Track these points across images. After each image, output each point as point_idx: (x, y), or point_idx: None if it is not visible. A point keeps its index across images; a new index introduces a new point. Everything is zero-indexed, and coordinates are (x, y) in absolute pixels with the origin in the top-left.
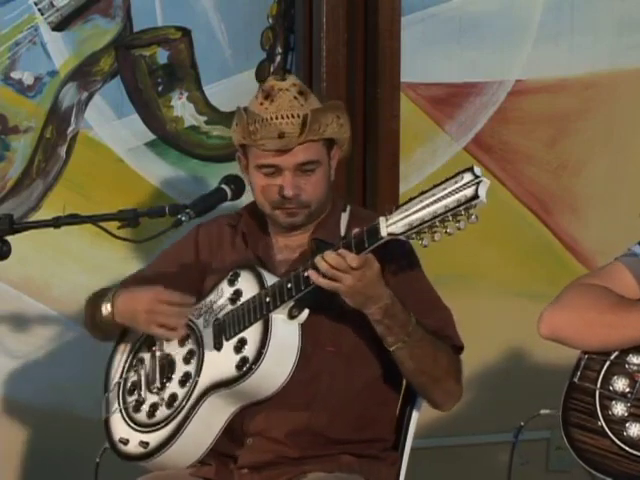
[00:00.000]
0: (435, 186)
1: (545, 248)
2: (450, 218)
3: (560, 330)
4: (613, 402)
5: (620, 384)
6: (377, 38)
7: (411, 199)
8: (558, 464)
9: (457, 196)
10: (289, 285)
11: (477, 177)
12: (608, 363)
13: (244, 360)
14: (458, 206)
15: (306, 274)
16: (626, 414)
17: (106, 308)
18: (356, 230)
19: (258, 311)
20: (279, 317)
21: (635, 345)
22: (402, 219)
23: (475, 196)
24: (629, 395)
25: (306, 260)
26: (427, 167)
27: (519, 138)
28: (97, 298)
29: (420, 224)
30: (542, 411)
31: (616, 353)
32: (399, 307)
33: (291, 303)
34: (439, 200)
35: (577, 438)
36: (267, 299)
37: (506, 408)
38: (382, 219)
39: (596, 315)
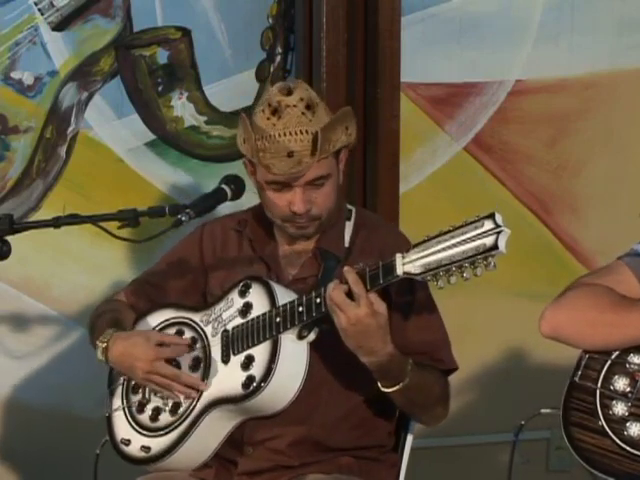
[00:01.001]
0: (455, 228)
1: (545, 248)
2: (467, 265)
3: (561, 329)
4: (614, 401)
5: (621, 383)
6: (377, 38)
7: (429, 238)
8: (558, 464)
9: (476, 244)
10: (300, 309)
11: (498, 226)
12: (609, 362)
13: (250, 379)
14: (476, 254)
15: (318, 300)
16: (627, 414)
17: (101, 351)
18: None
19: (268, 330)
20: (288, 337)
21: (636, 344)
22: (419, 259)
23: (495, 246)
24: (630, 395)
25: (312, 268)
26: (427, 167)
27: (519, 138)
28: (100, 316)
29: (437, 267)
30: (543, 410)
31: (617, 352)
32: (395, 364)
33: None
34: (458, 245)
35: (577, 437)
36: (277, 319)
37: (506, 408)
38: (399, 256)
39: (597, 314)
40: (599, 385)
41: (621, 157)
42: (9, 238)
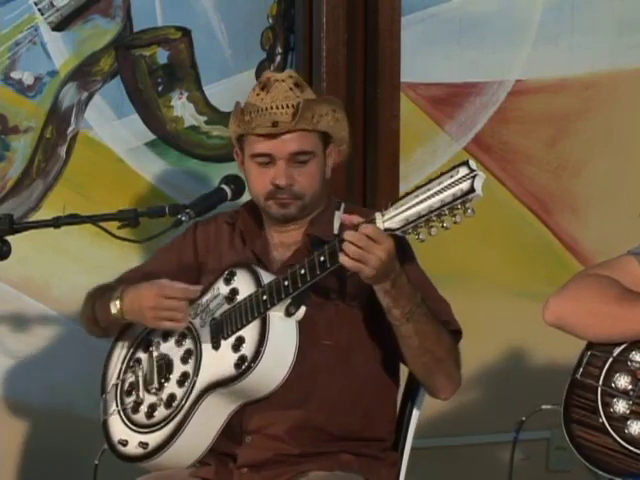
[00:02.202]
0: (431, 181)
1: (545, 248)
2: (446, 212)
3: (565, 318)
4: (615, 399)
5: (622, 381)
6: (377, 38)
7: (407, 194)
8: (558, 464)
9: (453, 190)
10: (286, 283)
11: (473, 171)
12: (611, 360)
13: (242, 359)
14: (454, 200)
15: (303, 271)
16: (627, 412)
17: (115, 306)
18: (351, 219)
19: (255, 309)
20: (276, 315)
21: (639, 339)
22: (398, 214)
23: (471, 190)
24: (631, 393)
25: (302, 257)
26: (427, 167)
27: (519, 138)
28: (99, 295)
29: (417, 219)
30: (544, 406)
31: (619, 350)
32: (405, 278)
33: (288, 301)
34: (435, 194)
35: (578, 435)
36: (264, 297)
37: (506, 408)
38: (378, 215)
39: (602, 306)
40: (600, 383)
41: (621, 157)
42: (9, 238)
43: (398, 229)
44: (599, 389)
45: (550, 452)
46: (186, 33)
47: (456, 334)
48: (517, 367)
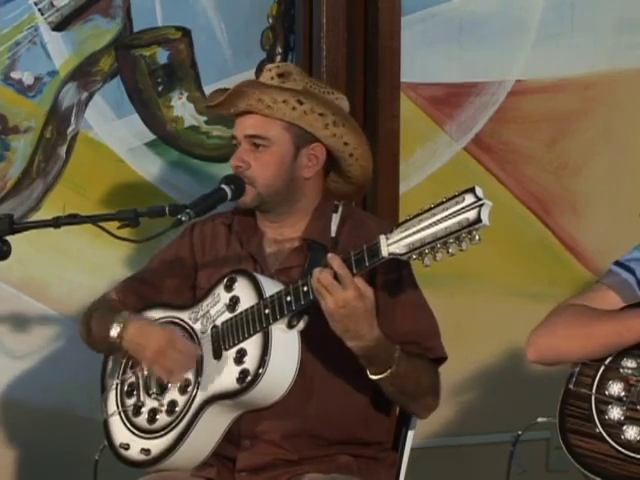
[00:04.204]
0: (435, 205)
1: (545, 248)
2: (452, 240)
3: (545, 354)
4: (609, 406)
5: (615, 388)
6: (377, 38)
7: (411, 217)
8: (558, 464)
9: (459, 219)
10: (288, 298)
11: (479, 199)
12: (603, 368)
13: (245, 373)
14: (460, 229)
15: (305, 289)
16: (622, 417)
17: (115, 330)
18: (355, 247)
19: (257, 323)
20: (278, 327)
21: (612, 351)
22: (403, 239)
23: (478, 219)
24: (624, 399)
25: (299, 260)
26: (427, 167)
27: (519, 138)
28: (98, 307)
29: (421, 245)
30: (539, 419)
31: (610, 357)
32: (382, 349)
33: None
34: (440, 221)
35: (575, 444)
36: (266, 311)
37: (506, 408)
38: (382, 238)
39: (573, 330)
40: (594, 391)
41: (621, 157)
42: (9, 238)
43: (403, 254)
44: (593, 397)
45: (550, 452)
46: (186, 33)
47: (440, 360)
48: (517, 367)
